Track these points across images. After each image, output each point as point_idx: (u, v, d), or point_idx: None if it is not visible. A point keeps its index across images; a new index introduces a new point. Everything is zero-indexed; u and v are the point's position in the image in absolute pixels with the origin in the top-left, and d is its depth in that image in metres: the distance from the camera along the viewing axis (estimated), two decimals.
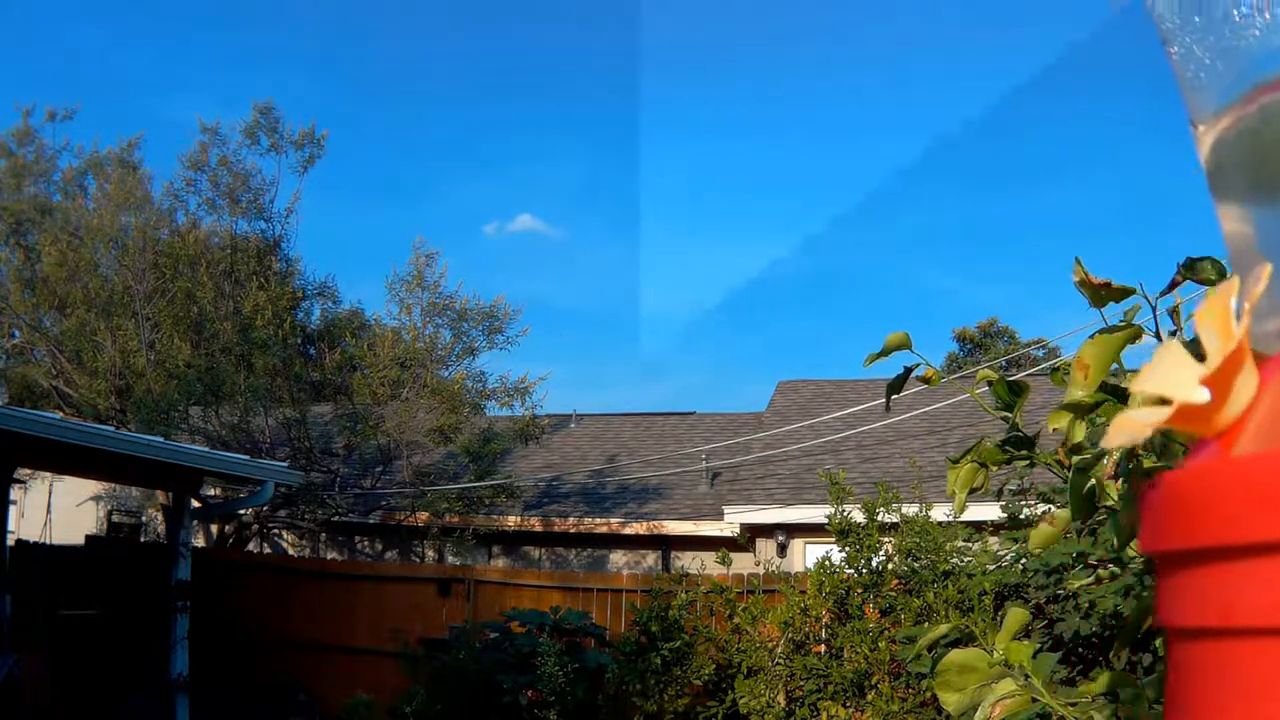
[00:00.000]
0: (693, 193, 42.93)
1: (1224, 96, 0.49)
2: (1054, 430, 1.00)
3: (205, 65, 28.52)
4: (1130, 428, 0.42)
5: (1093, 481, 0.96)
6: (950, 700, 1.38)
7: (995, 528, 7.13)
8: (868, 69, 39.18)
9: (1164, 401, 0.41)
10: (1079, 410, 0.92)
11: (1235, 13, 0.48)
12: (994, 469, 1.41)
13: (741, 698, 7.25)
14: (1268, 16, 0.47)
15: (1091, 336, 0.86)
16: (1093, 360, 0.85)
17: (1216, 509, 0.38)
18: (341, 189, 35.68)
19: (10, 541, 8.67)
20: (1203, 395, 0.40)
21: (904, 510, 7.52)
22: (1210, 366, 0.40)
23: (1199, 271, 0.98)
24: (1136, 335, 0.90)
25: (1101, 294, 0.97)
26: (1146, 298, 1.01)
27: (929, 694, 6.30)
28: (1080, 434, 0.96)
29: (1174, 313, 1.13)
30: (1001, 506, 6.29)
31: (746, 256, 46.30)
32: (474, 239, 38.91)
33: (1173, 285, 1.01)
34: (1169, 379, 0.41)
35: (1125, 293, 0.98)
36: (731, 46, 37.50)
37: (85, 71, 27.16)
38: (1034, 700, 1.19)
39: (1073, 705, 1.36)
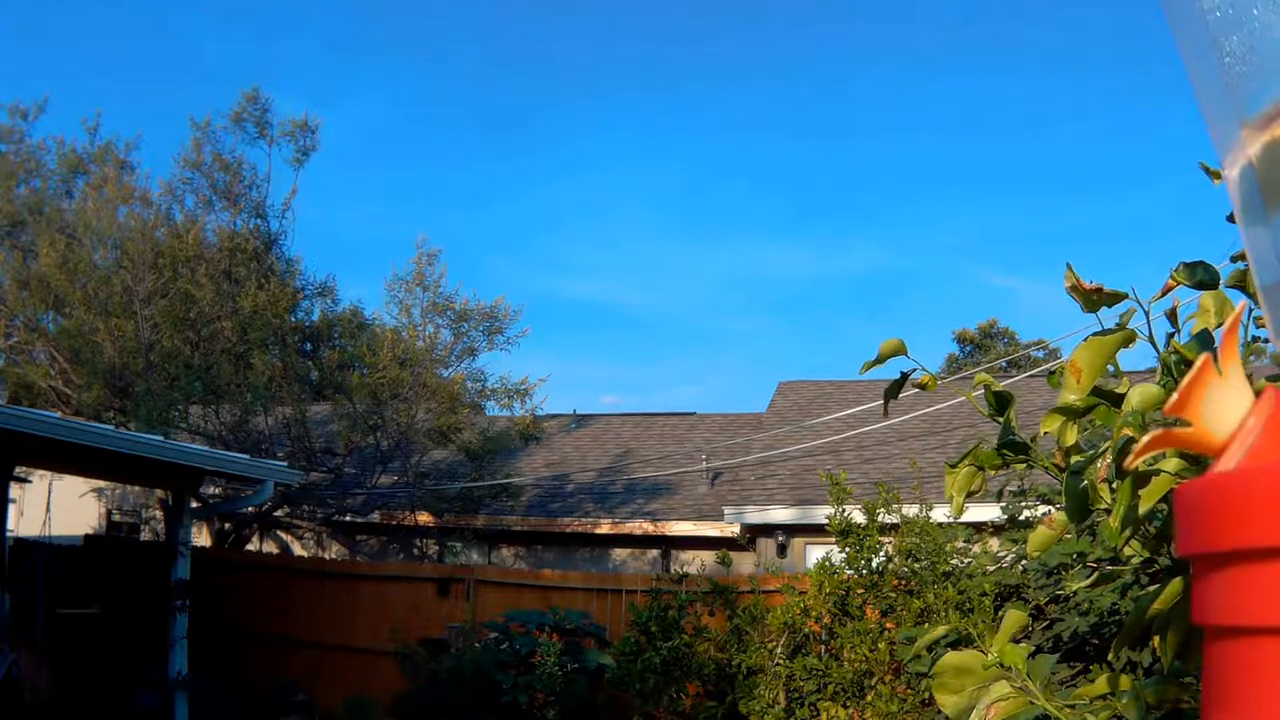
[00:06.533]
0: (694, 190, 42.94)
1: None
2: (1045, 434, 1.00)
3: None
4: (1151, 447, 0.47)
5: (1086, 484, 0.96)
6: (948, 703, 1.37)
7: (995, 529, 7.13)
8: (860, 69, 39.19)
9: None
10: (1071, 414, 0.91)
11: None
12: (992, 472, 1.41)
13: (741, 698, 7.24)
14: None
15: (1085, 339, 0.86)
16: (1085, 364, 0.85)
17: (1194, 520, 0.42)
18: (346, 185, 35.67)
19: (9, 540, 8.67)
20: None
21: (904, 511, 7.51)
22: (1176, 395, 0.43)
23: (1192, 276, 0.97)
24: (1130, 339, 0.89)
25: (1093, 299, 0.96)
26: (1139, 302, 1.00)
27: (928, 694, 6.30)
28: (1073, 437, 0.96)
29: (1172, 315, 1.13)
30: (1002, 508, 6.28)
31: (751, 258, 46.31)
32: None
33: (1166, 290, 1.00)
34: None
35: (1117, 298, 0.98)
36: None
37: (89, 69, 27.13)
38: (1030, 704, 1.19)
39: (1070, 707, 1.36)
